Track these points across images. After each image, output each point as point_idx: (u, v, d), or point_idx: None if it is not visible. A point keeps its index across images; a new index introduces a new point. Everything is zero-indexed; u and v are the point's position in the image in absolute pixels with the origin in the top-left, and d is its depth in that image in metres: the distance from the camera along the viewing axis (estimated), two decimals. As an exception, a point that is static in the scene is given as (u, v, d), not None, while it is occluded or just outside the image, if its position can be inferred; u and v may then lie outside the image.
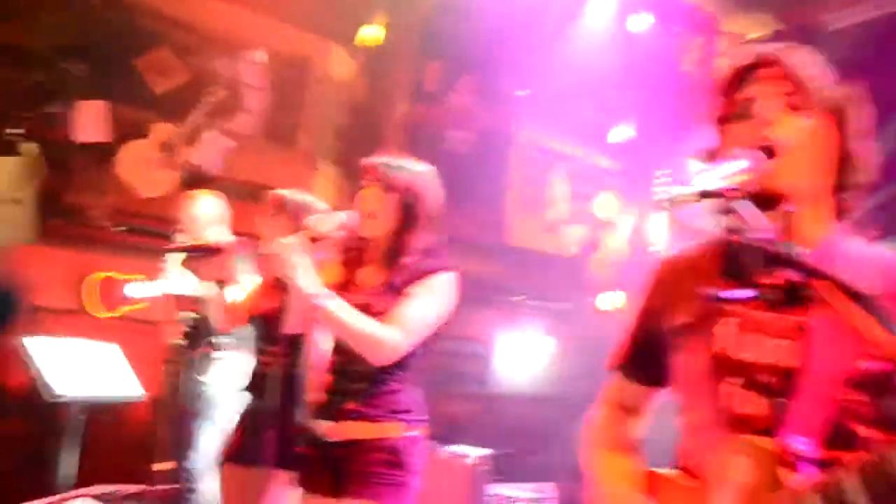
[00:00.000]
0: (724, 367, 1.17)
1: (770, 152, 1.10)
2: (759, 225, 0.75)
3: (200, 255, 2.94)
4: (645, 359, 1.38)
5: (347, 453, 2.19)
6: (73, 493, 4.89)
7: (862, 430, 1.07)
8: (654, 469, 1.32)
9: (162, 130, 5.75)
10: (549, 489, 6.84)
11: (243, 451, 2.77)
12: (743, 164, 1.02)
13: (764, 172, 1.07)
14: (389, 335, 2.15)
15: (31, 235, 5.25)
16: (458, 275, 2.29)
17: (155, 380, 6.00)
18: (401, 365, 2.23)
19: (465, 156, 8.87)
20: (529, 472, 8.18)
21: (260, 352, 2.88)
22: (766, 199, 1.11)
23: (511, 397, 8.96)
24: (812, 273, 0.58)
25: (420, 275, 2.23)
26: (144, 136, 5.68)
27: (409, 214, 2.27)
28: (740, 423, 1.13)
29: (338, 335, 2.20)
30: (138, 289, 7.29)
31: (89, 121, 5.42)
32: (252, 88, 6.72)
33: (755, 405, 1.13)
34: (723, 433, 1.14)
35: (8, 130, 5.16)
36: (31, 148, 5.02)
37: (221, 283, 2.95)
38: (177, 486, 4.14)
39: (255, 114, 6.76)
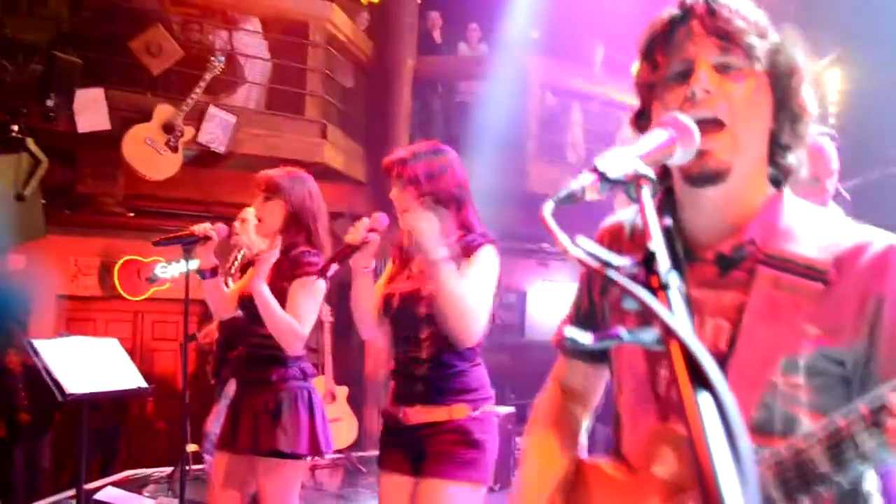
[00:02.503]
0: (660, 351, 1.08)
1: (710, 126, 0.98)
2: (655, 223, 0.63)
3: (190, 244, 2.88)
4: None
5: (422, 435, 2.27)
6: (101, 481, 5.03)
7: (803, 416, 0.97)
8: (588, 459, 1.25)
9: (163, 112, 5.70)
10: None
11: (230, 437, 2.77)
12: (662, 137, 0.88)
13: (703, 149, 0.96)
14: (477, 319, 2.21)
15: (42, 232, 5.27)
16: (496, 244, 2.34)
17: (180, 361, 6.11)
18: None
19: (479, 105, 8.72)
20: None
21: (249, 335, 2.84)
22: (707, 178, 1.01)
23: (543, 346, 8.96)
24: (667, 331, 0.49)
25: (465, 253, 2.27)
26: (146, 119, 5.64)
27: (434, 202, 2.30)
28: (673, 409, 1.04)
29: (446, 303, 2.19)
30: (165, 270, 7.41)
31: (89, 109, 5.40)
32: (252, 59, 6.63)
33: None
34: (654, 418, 1.06)
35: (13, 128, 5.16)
36: (31, 144, 5.01)
37: (214, 269, 2.89)
38: (203, 466, 4.21)
39: (257, 85, 6.68)
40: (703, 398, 0.46)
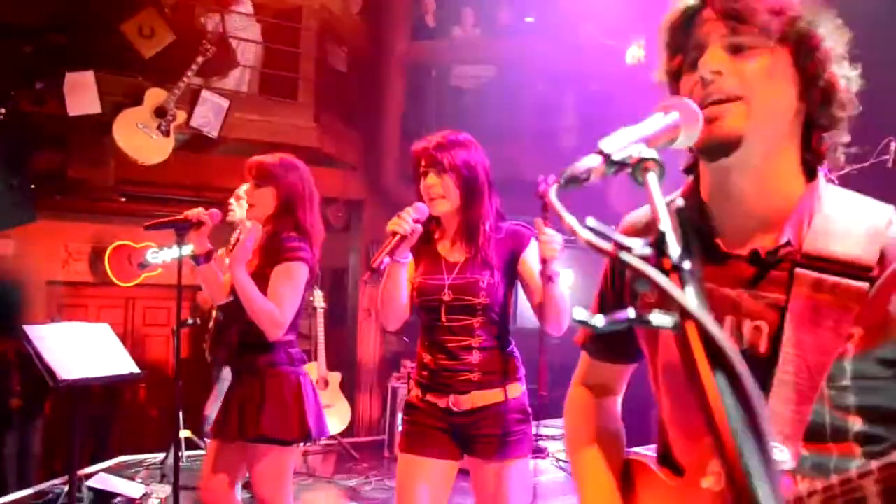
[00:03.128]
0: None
1: (719, 107, 0.96)
2: (662, 206, 0.61)
3: (183, 229, 2.86)
4: (611, 336, 1.25)
5: (475, 419, 2.32)
6: (93, 467, 5.01)
7: (852, 422, 0.94)
8: (637, 457, 1.23)
9: (155, 95, 5.64)
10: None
11: (222, 424, 2.77)
12: (666, 120, 0.86)
13: (711, 115, 0.94)
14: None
15: (32, 215, 5.23)
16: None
17: (172, 347, 6.08)
18: (507, 328, 2.41)
19: (473, 90, 8.68)
20: (553, 406, 8.24)
21: (239, 321, 2.83)
22: (718, 146, 0.97)
23: (535, 333, 8.96)
24: (681, 311, 0.46)
25: (518, 243, 2.37)
26: (138, 103, 5.58)
27: (469, 188, 2.35)
28: None
29: (557, 311, 2.32)
30: (156, 255, 7.37)
31: (80, 93, 5.34)
32: (245, 42, 6.57)
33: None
34: (702, 431, 1.03)
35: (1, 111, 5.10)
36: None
37: (209, 255, 2.87)
38: (201, 451, 4.19)
39: (250, 69, 6.63)
40: (721, 378, 0.45)
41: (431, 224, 2.44)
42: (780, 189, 1.02)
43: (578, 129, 8.53)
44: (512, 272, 2.38)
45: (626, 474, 1.22)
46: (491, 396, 2.32)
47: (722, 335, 0.46)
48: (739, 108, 0.97)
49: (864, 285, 0.93)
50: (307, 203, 2.86)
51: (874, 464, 0.82)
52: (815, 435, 0.94)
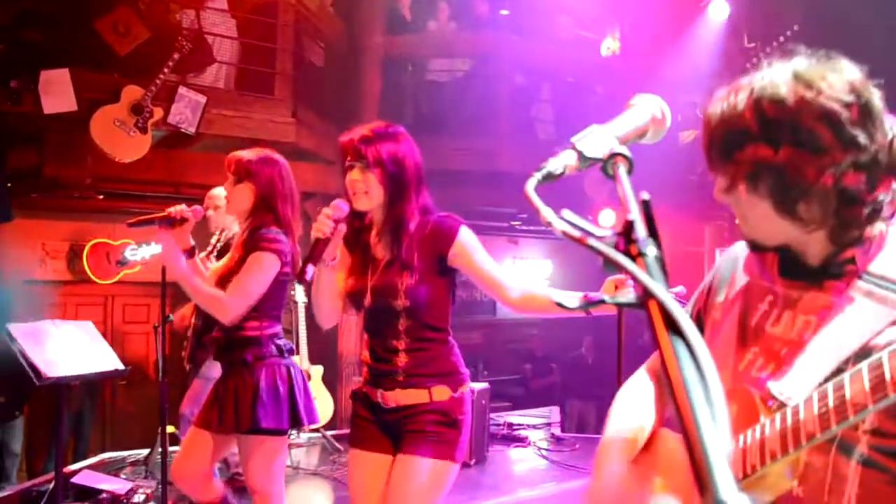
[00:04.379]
0: (751, 337, 1.20)
1: None
2: (632, 197, 0.67)
3: (165, 226, 2.88)
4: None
5: (401, 416, 2.31)
6: (78, 464, 5.01)
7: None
8: (664, 428, 1.34)
9: (131, 93, 5.63)
10: (553, 412, 6.95)
11: (216, 419, 2.81)
12: (639, 115, 0.92)
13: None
14: (515, 289, 2.31)
15: (9, 215, 5.20)
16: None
17: (153, 345, 6.08)
18: (440, 328, 2.34)
19: (449, 84, 8.71)
20: (535, 395, 8.34)
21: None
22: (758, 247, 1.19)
23: (515, 323, 9.05)
24: (645, 291, 0.52)
25: (443, 236, 2.29)
26: (114, 100, 5.57)
27: (394, 184, 2.28)
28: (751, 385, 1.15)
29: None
30: (135, 252, 7.31)
31: (55, 90, 5.31)
32: (221, 38, 6.56)
33: (765, 369, 1.15)
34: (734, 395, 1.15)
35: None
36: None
37: (191, 252, 2.90)
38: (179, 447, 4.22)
39: (226, 65, 6.62)
40: (679, 347, 0.51)
41: (363, 217, 2.36)
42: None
43: (555, 121, 8.61)
44: (441, 271, 2.31)
45: (653, 437, 1.32)
46: (414, 396, 2.28)
47: (678, 310, 0.52)
48: None
49: None
50: (286, 198, 2.90)
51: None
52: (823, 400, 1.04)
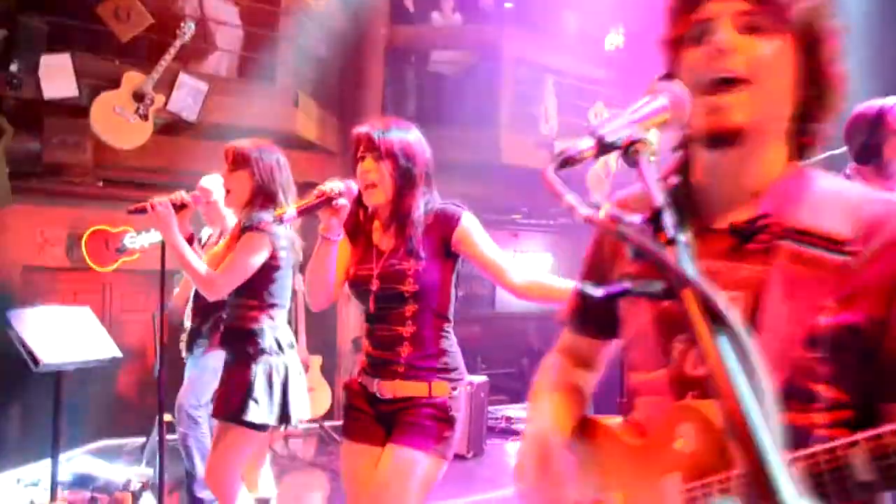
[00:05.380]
0: (671, 322, 1.07)
1: (727, 84, 0.96)
2: (656, 184, 0.64)
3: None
4: (593, 313, 1.30)
5: (398, 408, 2.30)
6: (75, 451, 4.99)
7: (820, 390, 0.96)
8: (595, 416, 1.26)
9: (132, 79, 5.59)
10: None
11: (223, 405, 2.82)
12: (659, 102, 0.89)
13: (718, 104, 0.95)
14: (519, 276, 2.32)
15: (8, 199, 5.17)
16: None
17: (151, 332, 6.05)
18: (445, 316, 2.36)
19: (453, 76, 8.68)
20: (532, 389, 8.31)
21: (225, 307, 2.87)
22: (720, 138, 0.99)
23: (514, 316, 9.03)
24: (679, 279, 0.48)
25: (446, 223, 2.31)
26: (115, 86, 5.53)
27: (405, 177, 2.31)
28: (688, 385, 1.04)
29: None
30: (134, 240, 7.29)
31: (56, 76, 5.28)
32: (223, 26, 6.52)
33: (702, 364, 1.04)
34: (669, 394, 1.06)
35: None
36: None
37: (189, 239, 2.88)
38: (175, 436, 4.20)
39: (228, 52, 6.58)
40: (722, 340, 0.48)
41: (366, 209, 2.42)
42: (766, 171, 1.05)
43: (558, 115, 8.57)
44: (446, 256, 2.33)
45: (585, 432, 1.25)
46: (414, 388, 2.28)
47: (721, 300, 0.49)
48: (743, 99, 0.98)
49: (843, 258, 0.95)
50: (284, 187, 2.88)
51: (861, 436, 0.83)
52: (785, 403, 0.94)
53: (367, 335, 2.40)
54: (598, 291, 0.57)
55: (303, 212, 2.25)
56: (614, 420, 1.22)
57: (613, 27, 9.48)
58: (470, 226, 2.33)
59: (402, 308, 2.29)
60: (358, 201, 2.35)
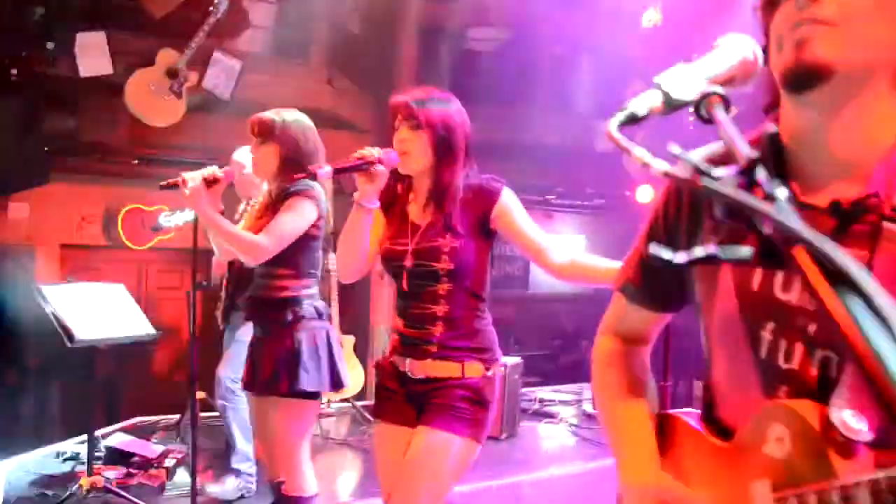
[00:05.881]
0: (760, 306, 0.96)
1: (807, 28, 0.84)
2: (740, 144, 0.56)
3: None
4: (654, 281, 1.19)
5: (430, 388, 2.25)
6: (110, 427, 5.04)
7: None
8: (675, 413, 1.17)
9: (167, 56, 5.58)
10: (584, 389, 6.86)
11: (252, 379, 2.79)
12: (728, 56, 0.80)
13: (800, 38, 0.83)
14: (558, 256, 2.27)
15: (45, 178, 5.21)
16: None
17: (186, 310, 6.08)
18: (479, 296, 2.29)
19: (488, 54, 8.55)
20: (566, 371, 8.24)
21: (258, 277, 2.82)
22: (804, 76, 0.86)
23: (547, 298, 8.94)
24: (789, 235, 0.41)
25: (487, 198, 2.25)
26: (149, 64, 5.52)
27: (444, 148, 2.23)
28: (780, 378, 0.94)
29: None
30: (169, 218, 7.33)
31: (91, 54, 5.28)
32: (257, 2, 6.48)
33: (797, 359, 0.93)
34: (758, 390, 0.96)
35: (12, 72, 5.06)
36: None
37: (220, 214, 2.85)
38: (214, 413, 4.21)
39: (262, 29, 6.54)
40: (849, 298, 0.40)
41: (403, 183, 2.35)
42: (871, 136, 0.91)
43: (594, 93, 8.41)
44: (483, 234, 2.26)
45: (664, 431, 1.17)
46: (446, 369, 2.22)
47: (840, 253, 0.41)
48: (831, 35, 0.86)
49: None
50: (312, 155, 2.82)
51: None
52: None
53: (399, 313, 2.34)
54: (677, 256, 0.50)
55: (339, 171, 2.22)
56: (693, 416, 1.14)
57: (651, 4, 9.26)
58: (510, 202, 2.26)
59: (436, 286, 2.23)
60: (395, 175, 2.29)
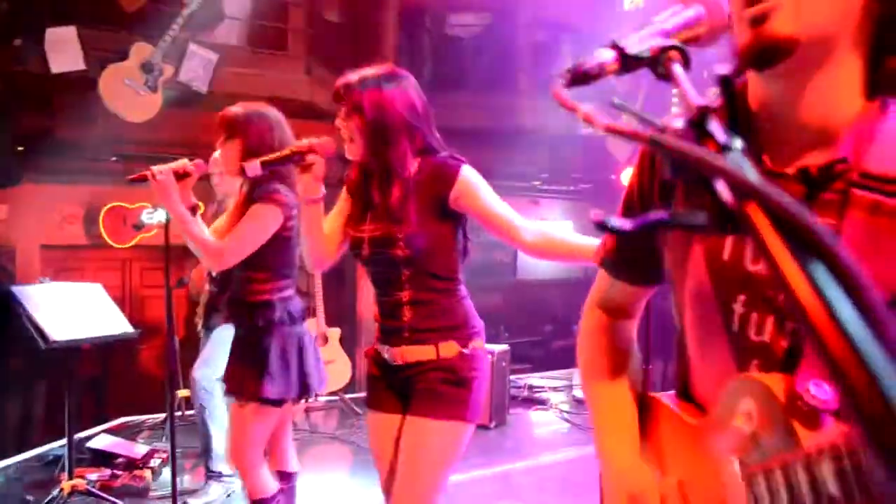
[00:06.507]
0: (731, 278, 0.93)
1: (763, 5, 0.80)
2: (698, 100, 0.50)
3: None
4: (633, 254, 1.17)
5: (411, 374, 2.21)
6: (94, 429, 4.97)
7: None
8: (655, 395, 1.14)
9: (141, 50, 5.48)
10: (574, 375, 6.83)
11: (236, 383, 2.73)
12: (692, 11, 0.74)
13: (757, 13, 0.80)
14: (530, 232, 2.18)
15: (18, 178, 5.12)
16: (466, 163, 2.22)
17: (167, 308, 6.00)
18: (446, 277, 2.20)
19: (469, 40, 8.48)
20: (557, 357, 8.22)
21: (234, 280, 2.76)
22: (764, 55, 0.83)
23: (536, 284, 8.90)
24: (743, 188, 0.36)
25: (443, 177, 2.14)
26: (123, 58, 5.42)
27: (376, 132, 2.12)
28: (752, 352, 0.92)
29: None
30: (151, 215, 7.25)
31: (62, 49, 5.18)
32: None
33: (768, 331, 0.90)
34: (731, 365, 0.94)
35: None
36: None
37: (193, 209, 2.77)
38: (193, 411, 4.16)
39: (238, 21, 6.44)
40: (816, 268, 0.35)
41: (364, 166, 2.26)
42: (839, 104, 0.88)
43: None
44: (443, 216, 2.16)
45: (644, 413, 1.15)
46: (420, 352, 2.17)
47: (803, 210, 0.36)
48: (785, 6, 0.82)
49: None
50: (278, 151, 2.74)
51: None
52: None
53: (375, 301, 2.30)
54: (625, 224, 0.45)
55: (267, 164, 2.15)
56: (669, 396, 1.11)
57: (633, -15, 9.20)
58: (470, 180, 2.15)
59: (398, 272, 2.17)
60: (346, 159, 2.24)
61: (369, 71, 2.19)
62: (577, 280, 7.61)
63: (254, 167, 2.14)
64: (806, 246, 0.35)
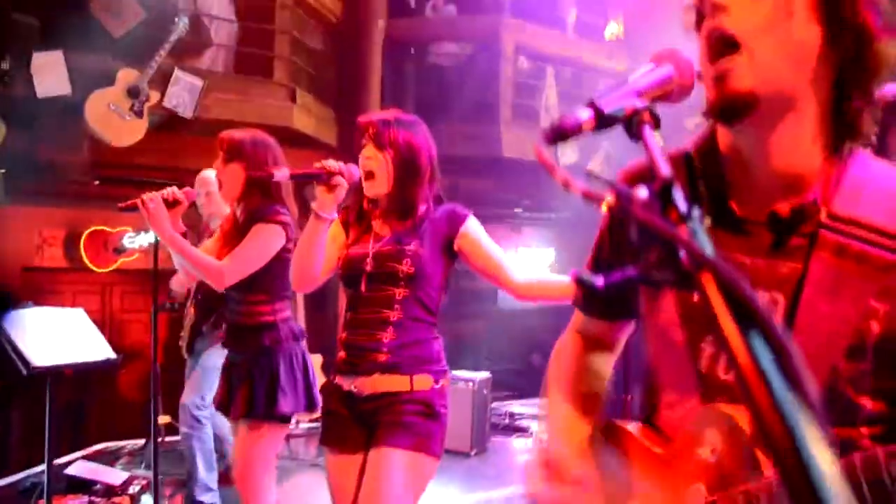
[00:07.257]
0: (700, 320, 0.95)
1: (724, 48, 0.84)
2: (662, 157, 0.55)
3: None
4: (600, 299, 1.22)
5: (378, 406, 2.21)
6: (72, 455, 4.93)
7: (866, 403, 0.86)
8: (620, 422, 1.15)
9: (127, 76, 5.51)
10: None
11: (227, 403, 2.75)
12: (663, 70, 0.80)
13: (718, 72, 0.84)
14: (519, 276, 2.32)
15: (3, 200, 5.11)
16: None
17: (151, 332, 5.99)
18: (431, 311, 2.30)
19: (452, 69, 8.58)
20: (537, 385, 8.24)
21: (232, 304, 2.79)
22: (728, 110, 0.86)
23: (517, 312, 8.95)
24: (696, 260, 0.40)
25: (451, 224, 2.31)
26: (109, 83, 5.45)
27: (407, 169, 2.26)
28: (719, 390, 0.94)
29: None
30: (132, 240, 7.23)
31: (48, 73, 5.20)
32: (218, 20, 6.44)
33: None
34: (696, 398, 0.97)
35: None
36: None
37: (183, 236, 2.80)
38: (178, 437, 4.14)
39: (224, 48, 6.49)
40: (752, 333, 0.39)
41: (371, 204, 2.37)
42: (805, 152, 0.92)
43: (559, 106, 8.47)
44: (446, 253, 2.30)
45: (609, 438, 1.16)
46: (394, 383, 2.19)
47: (745, 284, 0.40)
48: (742, 62, 0.86)
49: (892, 256, 0.85)
50: (280, 181, 2.79)
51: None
52: (828, 416, 0.86)
53: (347, 323, 2.30)
54: (597, 280, 0.49)
55: (297, 176, 2.27)
56: (635, 425, 1.14)
57: (613, 17, 9.38)
58: (475, 228, 2.32)
59: (394, 290, 2.22)
60: (360, 191, 2.32)
61: (395, 112, 2.35)
62: (558, 309, 7.66)
63: (283, 174, 2.25)
64: (747, 315, 0.40)
